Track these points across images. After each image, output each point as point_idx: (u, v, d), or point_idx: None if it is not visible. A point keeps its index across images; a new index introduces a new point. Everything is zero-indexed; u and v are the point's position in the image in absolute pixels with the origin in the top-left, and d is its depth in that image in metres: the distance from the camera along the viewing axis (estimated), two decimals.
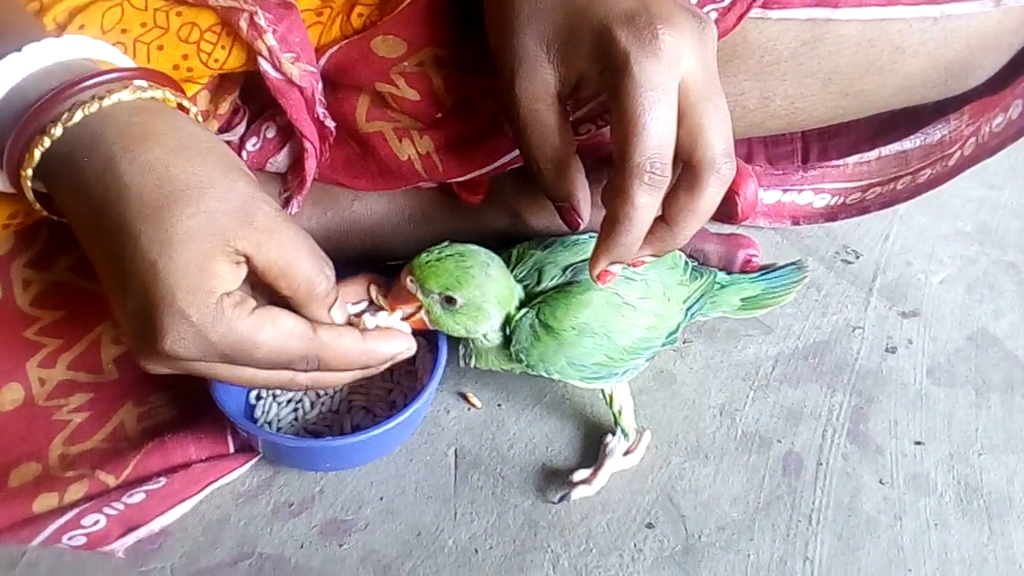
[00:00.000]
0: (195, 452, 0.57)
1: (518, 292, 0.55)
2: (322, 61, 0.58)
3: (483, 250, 0.54)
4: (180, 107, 0.50)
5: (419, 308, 0.52)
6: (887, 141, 0.73)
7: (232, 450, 0.58)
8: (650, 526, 0.56)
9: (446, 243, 0.53)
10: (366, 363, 0.49)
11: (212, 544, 0.54)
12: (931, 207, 0.79)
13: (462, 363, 0.57)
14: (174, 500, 0.55)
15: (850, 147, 0.74)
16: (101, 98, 0.45)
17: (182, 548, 0.54)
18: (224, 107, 0.60)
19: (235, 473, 0.58)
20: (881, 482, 0.58)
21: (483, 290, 0.53)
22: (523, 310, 0.55)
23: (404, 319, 0.52)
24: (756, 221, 0.75)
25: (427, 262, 0.52)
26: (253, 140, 0.61)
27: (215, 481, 0.57)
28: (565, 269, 0.57)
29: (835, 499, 0.57)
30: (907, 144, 0.73)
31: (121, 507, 0.54)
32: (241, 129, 0.62)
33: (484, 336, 0.55)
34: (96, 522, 0.53)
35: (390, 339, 0.50)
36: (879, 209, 0.73)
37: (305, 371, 0.47)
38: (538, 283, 0.56)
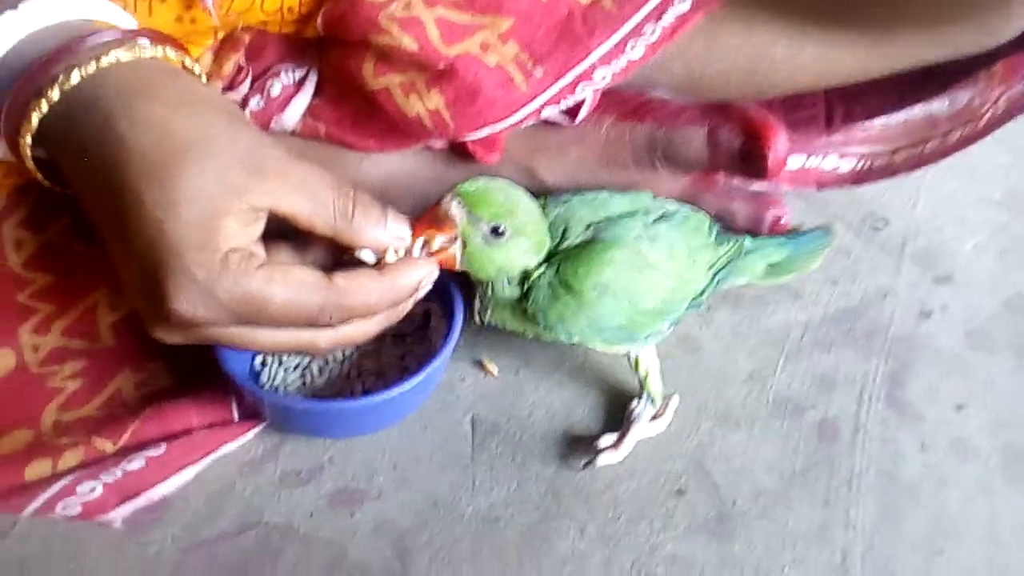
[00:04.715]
0: (197, 419, 0.54)
1: (548, 240, 0.52)
2: (319, 19, 0.56)
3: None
4: (183, 66, 0.47)
5: (453, 240, 0.49)
6: (914, 101, 0.70)
7: (236, 417, 0.55)
8: (680, 493, 0.53)
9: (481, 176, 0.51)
10: (392, 300, 0.46)
11: (215, 514, 0.51)
12: (959, 174, 0.76)
13: (476, 318, 0.54)
14: (175, 467, 0.52)
15: (876, 108, 0.71)
16: (98, 58, 0.43)
17: (183, 518, 0.51)
18: (228, 67, 0.58)
19: (239, 440, 0.54)
20: (922, 448, 0.55)
21: (531, 223, 0.50)
22: (541, 267, 0.52)
23: (431, 254, 0.48)
24: (780, 186, 0.72)
25: (476, 189, 0.49)
26: (256, 99, 0.59)
27: (218, 448, 0.54)
28: (587, 227, 0.54)
29: (875, 466, 0.54)
30: (935, 107, 0.70)
31: (119, 474, 0.51)
32: (245, 88, 0.59)
33: (507, 281, 0.51)
34: (92, 489, 0.50)
35: (411, 267, 0.46)
36: (908, 171, 0.70)
37: (328, 325, 0.45)
38: (562, 240, 0.53)
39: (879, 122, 0.72)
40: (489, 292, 0.53)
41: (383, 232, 0.45)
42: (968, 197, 0.75)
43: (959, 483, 0.54)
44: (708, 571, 0.49)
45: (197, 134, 0.42)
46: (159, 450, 0.52)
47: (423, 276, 0.47)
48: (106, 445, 0.52)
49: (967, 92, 0.69)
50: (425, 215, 0.49)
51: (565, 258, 0.52)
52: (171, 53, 0.46)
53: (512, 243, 0.50)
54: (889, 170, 0.71)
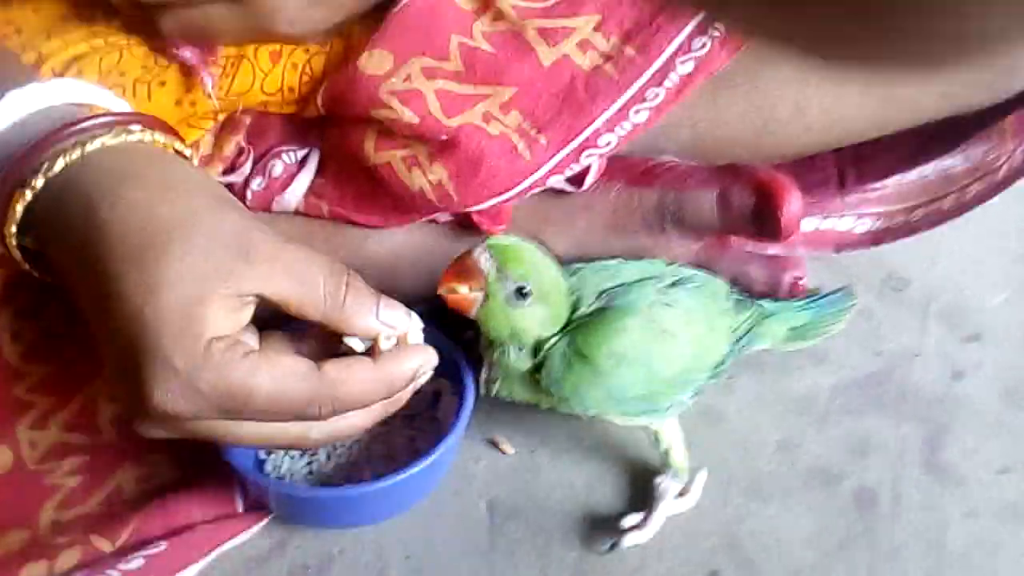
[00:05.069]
0: (200, 512, 0.51)
1: (566, 313, 0.50)
2: (319, 97, 0.56)
3: None
4: (173, 150, 0.47)
5: (479, 288, 0.47)
6: (927, 158, 0.69)
7: (241, 509, 0.53)
8: (715, 574, 0.49)
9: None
10: (387, 390, 0.43)
11: None
12: (976, 230, 0.74)
13: (483, 390, 0.52)
14: (177, 566, 0.49)
15: (889, 167, 0.70)
16: (84, 144, 0.42)
17: None
18: (229, 149, 0.58)
19: (245, 535, 0.52)
20: (967, 514, 0.52)
21: (554, 292, 0.49)
22: (554, 337, 0.50)
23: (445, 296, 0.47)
24: (796, 249, 0.70)
25: (508, 244, 0.47)
26: (258, 180, 0.58)
27: (222, 544, 0.51)
28: (600, 295, 0.52)
29: (918, 535, 0.51)
30: (949, 163, 0.69)
31: (117, 575, 0.48)
32: (246, 169, 0.58)
33: (518, 349, 0.49)
34: None
35: (407, 355, 0.44)
36: (927, 229, 0.68)
37: (318, 418, 0.42)
38: (575, 309, 0.51)
39: (893, 181, 0.70)
40: (498, 361, 0.51)
41: (374, 320, 0.43)
42: (988, 252, 0.73)
43: (1010, 549, 0.50)
44: None
45: (182, 218, 0.41)
46: (159, 548, 0.49)
47: (420, 364, 0.44)
48: (104, 544, 0.49)
49: (981, 146, 0.68)
50: (453, 264, 0.47)
51: (578, 327, 0.50)
52: (160, 137, 0.45)
53: (533, 308, 0.48)
54: (907, 228, 0.70)
